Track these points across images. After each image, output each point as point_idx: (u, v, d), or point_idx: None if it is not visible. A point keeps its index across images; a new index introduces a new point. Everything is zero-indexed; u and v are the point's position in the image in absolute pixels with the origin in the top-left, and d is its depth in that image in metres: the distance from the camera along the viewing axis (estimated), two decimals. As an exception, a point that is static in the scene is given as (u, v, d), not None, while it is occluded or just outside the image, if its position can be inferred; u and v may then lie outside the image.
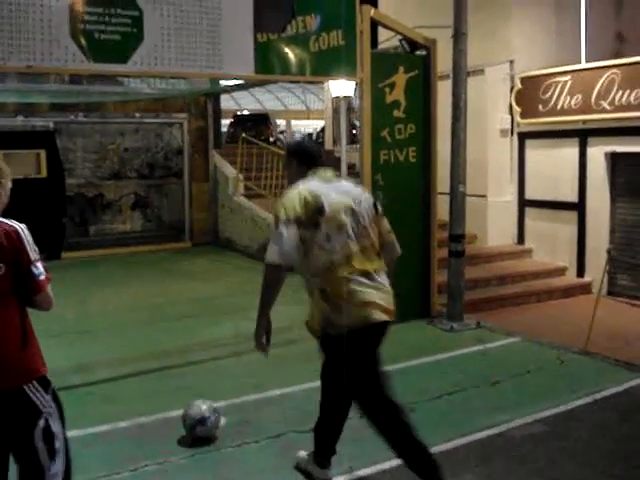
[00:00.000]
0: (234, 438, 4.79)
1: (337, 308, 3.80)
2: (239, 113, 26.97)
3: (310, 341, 6.71)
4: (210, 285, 10.27)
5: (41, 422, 3.25)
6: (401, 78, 7.74)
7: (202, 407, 4.87)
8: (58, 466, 3.33)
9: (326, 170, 4.04)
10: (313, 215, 3.76)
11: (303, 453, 4.44)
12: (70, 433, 3.68)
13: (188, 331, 7.73)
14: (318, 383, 5.91)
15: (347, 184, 4.15)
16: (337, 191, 3.93)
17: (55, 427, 3.32)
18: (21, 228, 3.18)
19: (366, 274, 3.88)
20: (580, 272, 10.08)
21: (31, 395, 3.21)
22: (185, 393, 5.60)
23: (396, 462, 4.22)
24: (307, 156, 4.09)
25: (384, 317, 3.90)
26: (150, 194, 14.52)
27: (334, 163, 12.13)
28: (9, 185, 3.33)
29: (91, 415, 5.28)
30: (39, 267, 3.19)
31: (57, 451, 3.33)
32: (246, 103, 34.32)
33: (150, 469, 4.50)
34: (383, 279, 4.02)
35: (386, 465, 4.48)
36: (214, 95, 14.82)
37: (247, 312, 8.37)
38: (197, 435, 4.86)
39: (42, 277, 3.20)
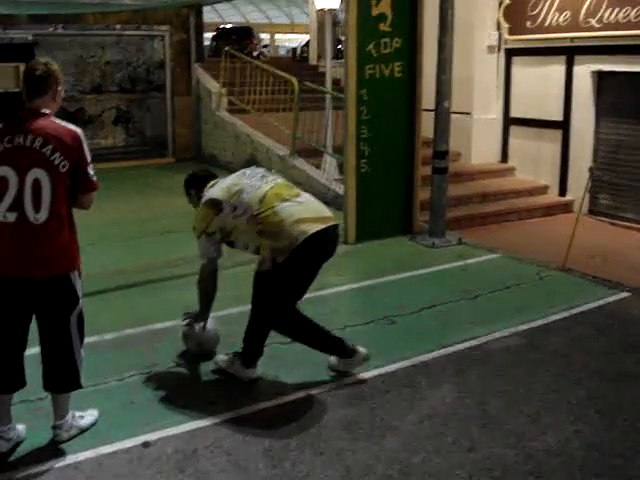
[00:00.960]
0: (226, 349, 4.86)
1: (276, 235, 4.22)
2: (222, 26, 26.38)
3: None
4: (193, 201, 10.23)
5: (77, 308, 3.68)
6: (388, -10, 7.59)
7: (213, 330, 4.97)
8: (82, 351, 3.79)
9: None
10: (215, 211, 4.40)
11: (222, 356, 4.70)
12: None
13: (172, 246, 7.77)
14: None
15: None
16: (224, 182, 4.57)
17: (84, 314, 3.77)
18: (81, 131, 3.60)
19: (286, 200, 4.33)
20: (562, 191, 10.14)
21: (73, 282, 3.63)
22: (169, 306, 5.68)
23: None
24: (198, 181, 4.77)
25: (320, 226, 4.28)
26: (132, 109, 14.32)
27: (319, 78, 11.99)
28: (62, 92, 3.73)
29: (77, 327, 5.33)
30: (92, 169, 3.64)
31: (84, 337, 3.80)
32: (229, 15, 33.61)
33: (137, 378, 4.60)
34: (307, 198, 4.49)
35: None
36: (196, 7, 14.45)
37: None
38: (205, 352, 4.94)
39: (95, 178, 3.68)
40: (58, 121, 3.57)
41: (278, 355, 4.89)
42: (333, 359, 4.66)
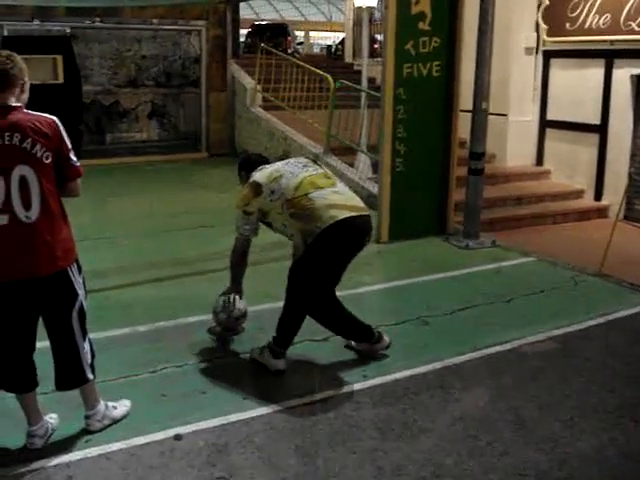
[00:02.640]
0: (252, 344, 4.87)
1: (307, 217, 4.40)
2: (257, 23, 26.43)
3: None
4: (226, 196, 10.24)
5: (77, 304, 3.62)
6: (428, -12, 7.54)
7: (242, 303, 5.13)
8: (87, 345, 3.74)
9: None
10: (254, 193, 4.63)
11: (256, 348, 4.76)
12: (89, 335, 3.80)
13: (204, 240, 7.79)
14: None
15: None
16: (269, 168, 4.78)
17: (85, 309, 3.69)
18: (57, 118, 3.50)
19: (320, 188, 4.50)
20: (598, 195, 10.01)
21: (71, 277, 3.56)
22: (201, 300, 5.67)
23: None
24: (250, 164, 4.98)
25: (351, 213, 4.42)
26: (167, 103, 14.39)
27: (354, 76, 11.96)
28: (28, 84, 3.59)
29: (109, 319, 5.38)
30: (74, 155, 3.55)
31: (87, 331, 3.73)
32: (264, 12, 33.66)
33: (169, 371, 4.61)
34: (342, 188, 4.66)
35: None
36: (233, 3, 14.50)
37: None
38: (233, 327, 5.14)
39: (78, 163, 3.58)
40: (32, 112, 3.45)
41: (310, 352, 4.88)
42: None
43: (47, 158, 3.38)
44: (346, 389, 4.42)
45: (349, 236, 4.47)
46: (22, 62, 3.52)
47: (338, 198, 4.49)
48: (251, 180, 4.70)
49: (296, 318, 4.60)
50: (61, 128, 3.47)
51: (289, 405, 4.22)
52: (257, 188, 4.60)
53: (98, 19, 13.13)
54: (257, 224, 4.71)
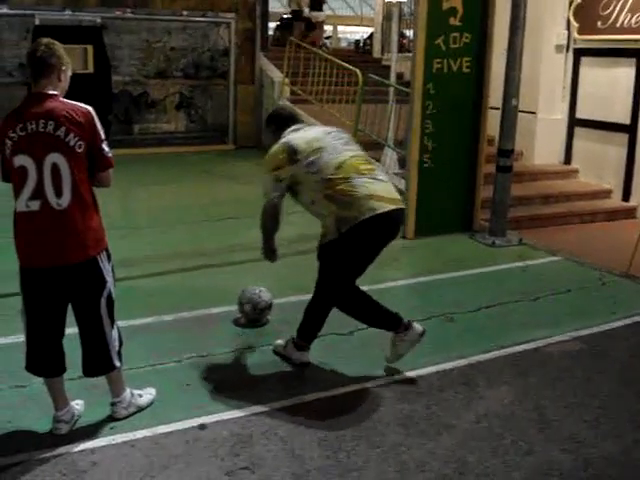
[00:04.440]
0: (276, 336, 4.89)
1: (345, 203, 4.19)
2: (286, 16, 26.39)
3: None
4: (253, 188, 10.16)
5: (106, 291, 3.64)
6: (459, -16, 7.49)
7: (268, 294, 5.20)
8: (115, 332, 3.76)
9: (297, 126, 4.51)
10: (289, 159, 4.26)
11: (280, 341, 4.75)
12: (117, 323, 3.83)
13: (230, 232, 7.82)
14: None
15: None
16: (308, 132, 4.45)
17: (113, 297, 3.72)
18: (92, 108, 3.53)
19: (362, 174, 4.27)
20: (626, 196, 9.90)
21: (100, 265, 3.59)
22: (227, 291, 5.69)
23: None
24: (282, 119, 4.58)
25: (390, 207, 4.25)
26: (195, 95, 14.43)
27: (382, 71, 11.92)
28: (69, 72, 3.62)
29: (135, 308, 5.38)
30: (106, 146, 3.57)
31: (115, 319, 3.76)
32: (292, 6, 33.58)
33: (194, 361, 4.64)
34: (382, 176, 4.45)
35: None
36: (263, -4, 14.52)
37: (289, 217, 8.46)
38: (258, 318, 5.19)
39: (110, 154, 3.60)
40: (67, 101, 3.50)
41: (335, 346, 4.89)
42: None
43: (80, 147, 3.42)
44: (370, 384, 4.42)
45: (385, 230, 4.36)
46: (62, 50, 3.56)
47: (378, 188, 4.26)
48: (286, 141, 4.33)
49: (323, 310, 4.53)
50: (95, 118, 3.51)
51: (313, 398, 4.24)
52: (294, 154, 4.24)
53: (129, 10, 13.19)
54: (285, 189, 4.36)
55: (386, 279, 6.25)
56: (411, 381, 4.50)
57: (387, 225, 4.34)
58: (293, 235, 7.62)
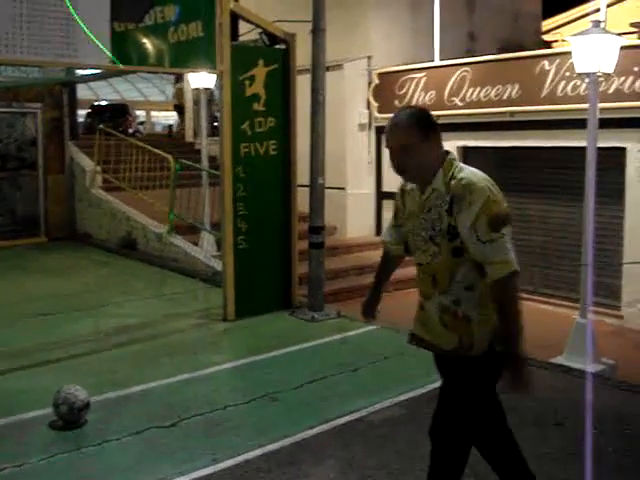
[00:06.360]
0: (95, 437, 4.71)
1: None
2: (97, 103, 26.18)
3: (170, 336, 6.74)
4: (68, 281, 9.97)
5: None
6: (261, 71, 7.77)
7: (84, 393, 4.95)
8: None
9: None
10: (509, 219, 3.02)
11: None
12: None
13: (46, 329, 7.47)
14: (180, 377, 5.95)
15: None
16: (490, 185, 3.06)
17: None
18: None
19: None
20: (434, 261, 10.47)
21: None
22: (43, 393, 5.41)
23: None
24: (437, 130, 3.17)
25: None
26: (2, 186, 13.84)
27: (195, 155, 12.05)
28: None
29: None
30: None
31: None
32: (104, 93, 33.38)
33: (8, 473, 4.35)
34: None
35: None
36: (70, 84, 14.33)
37: (106, 308, 8.29)
38: (75, 419, 4.91)
39: None
40: None
41: (158, 439, 4.76)
42: None
43: None
44: (195, 475, 4.32)
45: None
46: None
47: None
48: (489, 183, 3.00)
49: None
50: None
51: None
52: (509, 217, 3.00)
53: None
54: None
55: (208, 364, 6.21)
56: (238, 467, 4.43)
57: None
58: (108, 327, 7.45)
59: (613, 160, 8.53)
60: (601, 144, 6.94)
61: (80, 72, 14.12)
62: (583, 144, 6.57)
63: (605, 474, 4.23)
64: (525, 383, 2.95)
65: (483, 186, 2.93)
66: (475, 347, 3.04)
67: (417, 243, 3.21)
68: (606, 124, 7.27)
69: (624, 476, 4.32)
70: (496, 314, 2.96)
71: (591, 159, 6.42)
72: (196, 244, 10.08)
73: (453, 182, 3.00)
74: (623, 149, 8.44)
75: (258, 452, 4.62)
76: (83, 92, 23.38)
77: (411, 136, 3.08)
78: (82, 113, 20.60)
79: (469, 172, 3.03)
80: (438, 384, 5.73)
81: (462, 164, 3.11)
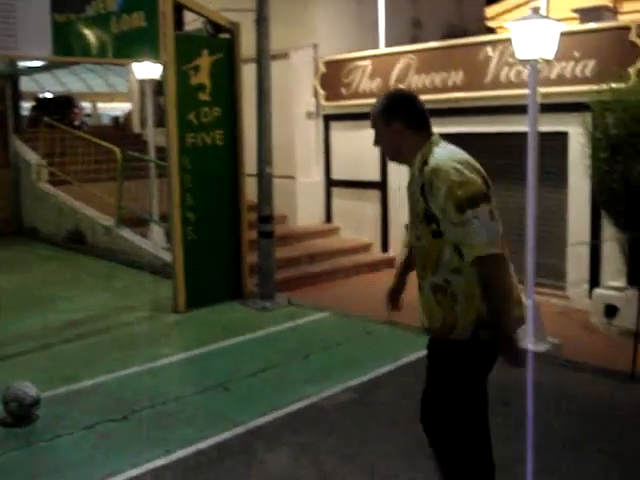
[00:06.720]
0: (47, 432, 4.68)
1: None
2: (41, 96, 25.68)
3: (120, 329, 6.69)
4: (15, 277, 9.82)
5: None
6: (206, 61, 7.74)
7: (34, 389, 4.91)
8: None
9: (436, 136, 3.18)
10: (487, 197, 2.97)
11: None
12: None
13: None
14: (131, 370, 5.92)
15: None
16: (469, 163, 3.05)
17: None
18: None
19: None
20: (384, 247, 10.59)
21: None
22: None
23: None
24: (420, 115, 3.18)
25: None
26: (-55, 183, 13.59)
27: (143, 146, 11.94)
28: None
29: None
30: None
31: None
32: (49, 85, 32.77)
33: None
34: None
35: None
36: (12, 77, 14.07)
37: (55, 303, 8.19)
38: (26, 415, 4.87)
39: None
40: None
41: (110, 432, 4.75)
42: None
43: None
44: (148, 467, 4.33)
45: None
46: None
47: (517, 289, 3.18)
48: (465, 159, 3.01)
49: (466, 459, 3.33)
50: None
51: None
52: (487, 195, 2.98)
53: None
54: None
55: (159, 356, 6.21)
56: (191, 457, 4.45)
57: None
58: (58, 322, 7.38)
59: (556, 144, 8.68)
60: (544, 129, 7.06)
61: (23, 64, 13.86)
62: (526, 129, 6.68)
63: (551, 450, 4.38)
64: (519, 362, 2.98)
65: (447, 170, 2.90)
66: (457, 329, 3.01)
67: (410, 225, 3.23)
68: (549, 109, 7.39)
69: (570, 453, 4.46)
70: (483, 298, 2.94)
71: (532, 144, 6.53)
72: (145, 236, 10.01)
73: (425, 168, 3.00)
74: (565, 133, 8.58)
75: (211, 442, 4.65)
76: (27, 84, 22.91)
77: (378, 120, 3.18)
78: (26, 106, 20.20)
79: (440, 155, 3.01)
80: (387, 369, 5.91)
81: (441, 145, 3.09)
